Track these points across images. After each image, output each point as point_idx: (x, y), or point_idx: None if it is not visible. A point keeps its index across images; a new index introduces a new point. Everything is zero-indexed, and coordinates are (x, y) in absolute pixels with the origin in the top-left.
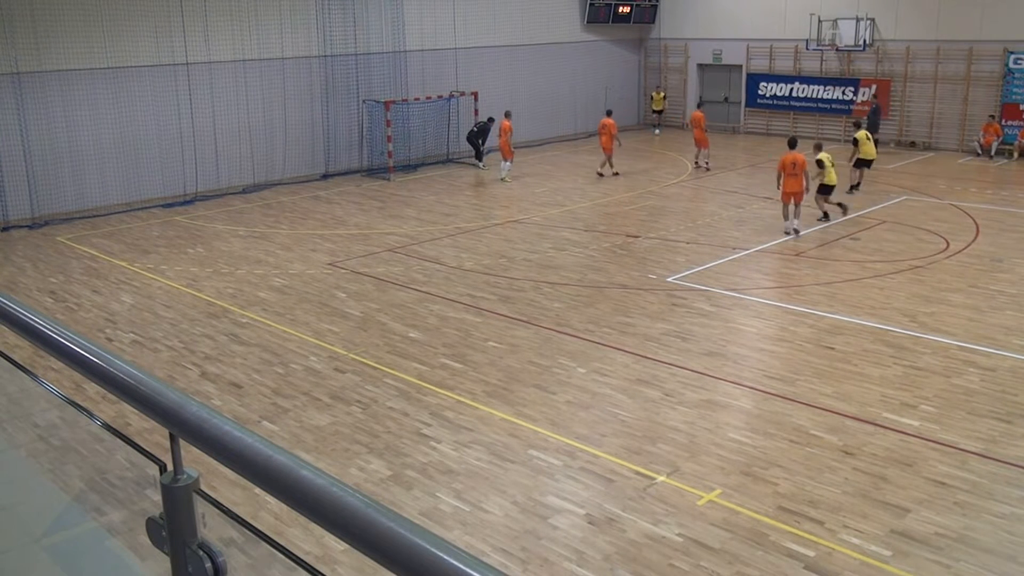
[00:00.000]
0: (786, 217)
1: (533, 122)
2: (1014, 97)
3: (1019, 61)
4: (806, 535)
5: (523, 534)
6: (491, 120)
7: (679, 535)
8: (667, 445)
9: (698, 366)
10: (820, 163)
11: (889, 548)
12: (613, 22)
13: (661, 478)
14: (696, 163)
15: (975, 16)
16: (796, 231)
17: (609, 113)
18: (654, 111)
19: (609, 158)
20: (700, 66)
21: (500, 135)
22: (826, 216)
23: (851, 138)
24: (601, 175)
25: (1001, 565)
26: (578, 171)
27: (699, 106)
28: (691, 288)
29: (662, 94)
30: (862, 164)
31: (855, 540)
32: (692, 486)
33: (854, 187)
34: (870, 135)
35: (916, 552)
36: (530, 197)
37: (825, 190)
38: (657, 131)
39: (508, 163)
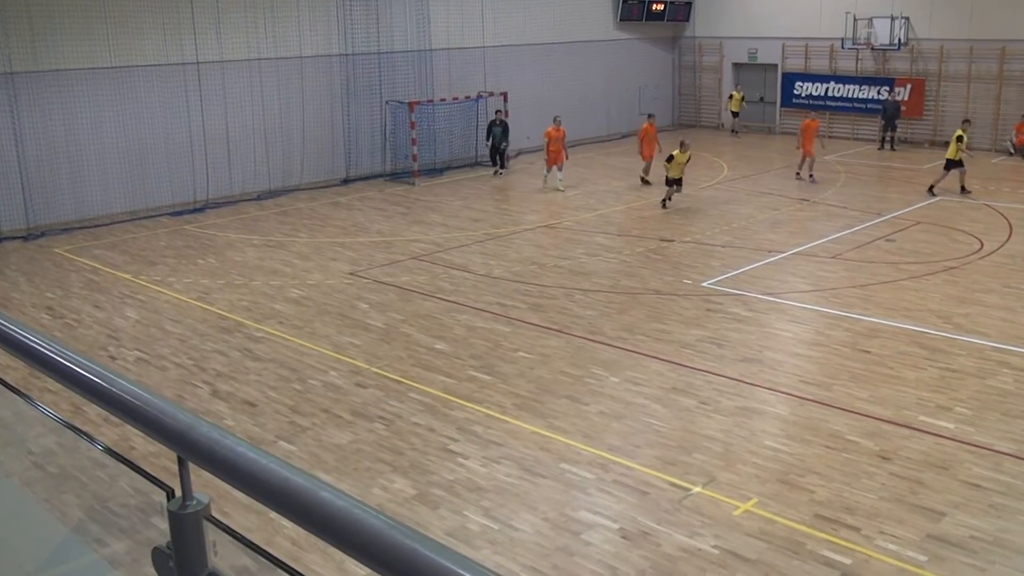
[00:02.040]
0: None
1: (565, 123)
2: None
3: None
4: (843, 543)
5: (555, 551)
6: (498, 112)
7: (715, 547)
8: (702, 455)
9: (734, 373)
10: (670, 157)
11: (925, 553)
12: (647, 20)
13: (697, 489)
14: (798, 174)
15: (1007, 15)
16: None
17: (650, 117)
18: (732, 113)
19: (647, 164)
20: (735, 65)
21: (548, 143)
22: (663, 203)
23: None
24: (648, 182)
25: None
26: (612, 173)
27: (812, 114)
28: (726, 293)
29: (741, 94)
30: (951, 166)
31: (892, 546)
32: (728, 496)
33: (931, 189)
34: (962, 136)
35: (952, 556)
36: (562, 201)
37: (669, 182)
38: (736, 134)
39: (547, 171)
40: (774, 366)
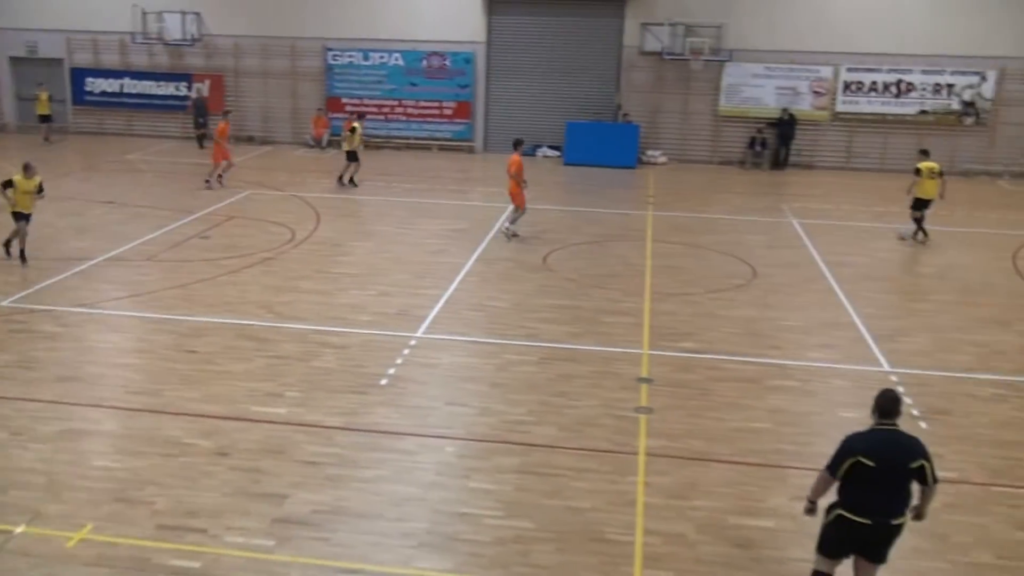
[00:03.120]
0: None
1: None
2: (336, 91)
3: (337, 57)
4: (190, 547)
5: None
6: None
7: None
8: (22, 491)
9: (50, 395)
10: (8, 183)
11: (273, 538)
12: None
13: (20, 529)
14: (213, 178)
15: (296, 14)
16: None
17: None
18: (42, 116)
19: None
20: (13, 59)
21: None
22: None
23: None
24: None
25: (372, 524)
26: None
27: (225, 115)
28: (31, 310)
29: (47, 94)
30: (352, 158)
31: (240, 539)
32: (59, 528)
33: (340, 179)
34: (356, 128)
35: (298, 534)
36: None
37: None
38: (47, 141)
39: None
40: (96, 381)
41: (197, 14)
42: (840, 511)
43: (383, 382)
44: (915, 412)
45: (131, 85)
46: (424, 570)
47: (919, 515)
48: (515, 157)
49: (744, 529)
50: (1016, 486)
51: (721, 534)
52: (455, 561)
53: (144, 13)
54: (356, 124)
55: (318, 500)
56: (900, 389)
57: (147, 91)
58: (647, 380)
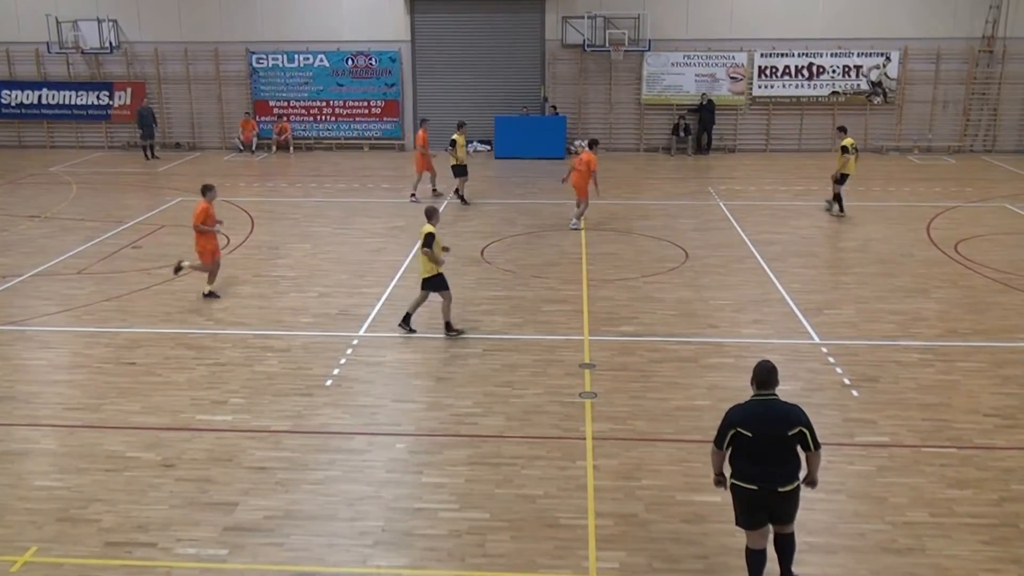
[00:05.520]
0: None
1: None
2: (262, 94)
3: (260, 60)
4: (140, 563)
5: None
6: None
7: None
8: None
9: None
10: None
11: (225, 546)
12: None
13: None
14: (434, 189)
15: (216, 17)
16: None
17: (423, 121)
18: None
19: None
20: None
21: None
22: None
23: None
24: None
25: (325, 526)
26: None
27: (423, 122)
28: None
29: None
30: (459, 172)
31: (191, 550)
32: (1, 553)
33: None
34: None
35: (251, 541)
36: None
37: None
38: None
39: None
40: (31, 399)
41: (114, 21)
42: (731, 479)
43: (328, 383)
44: (846, 381)
45: (49, 96)
46: (381, 568)
47: (810, 481)
48: (591, 155)
49: (692, 505)
50: (945, 446)
51: (670, 511)
52: (412, 557)
53: (58, 22)
54: (456, 136)
55: (270, 505)
56: (831, 359)
57: (67, 102)
58: (590, 365)
